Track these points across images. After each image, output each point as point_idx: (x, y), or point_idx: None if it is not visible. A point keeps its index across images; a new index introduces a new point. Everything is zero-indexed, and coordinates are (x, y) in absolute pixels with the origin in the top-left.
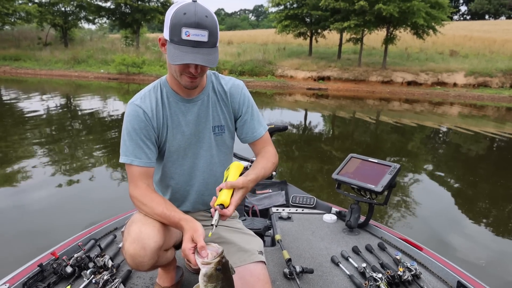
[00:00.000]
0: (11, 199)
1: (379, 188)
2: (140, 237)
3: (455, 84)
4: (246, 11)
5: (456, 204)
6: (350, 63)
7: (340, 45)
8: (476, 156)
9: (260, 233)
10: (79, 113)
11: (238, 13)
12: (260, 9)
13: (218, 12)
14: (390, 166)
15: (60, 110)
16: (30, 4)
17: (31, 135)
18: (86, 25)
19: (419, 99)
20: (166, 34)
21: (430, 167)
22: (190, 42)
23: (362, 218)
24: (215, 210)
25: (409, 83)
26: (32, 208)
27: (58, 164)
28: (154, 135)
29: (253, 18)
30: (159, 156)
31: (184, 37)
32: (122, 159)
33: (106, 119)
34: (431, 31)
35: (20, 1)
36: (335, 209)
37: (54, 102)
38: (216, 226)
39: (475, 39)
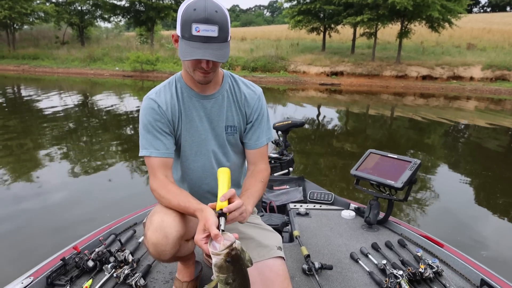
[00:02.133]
0: (34, 195)
1: (399, 184)
2: (162, 225)
3: (471, 78)
4: (261, 7)
5: (475, 199)
6: (364, 58)
7: (354, 40)
8: (495, 150)
9: (278, 229)
10: (96, 109)
11: (253, 9)
12: (275, 5)
13: (233, 9)
14: (410, 161)
15: (77, 108)
16: (47, 4)
17: (51, 131)
18: (102, 24)
19: (434, 94)
20: (178, 31)
21: (447, 161)
22: (200, 38)
23: (381, 215)
24: (219, 216)
25: (424, 78)
26: (54, 204)
27: (78, 160)
28: (170, 126)
29: (268, 14)
30: (176, 151)
31: (194, 33)
32: (141, 152)
33: (123, 115)
34: (446, 24)
35: (38, 1)
36: (353, 205)
37: (71, 99)
38: (223, 231)
39: (494, 32)
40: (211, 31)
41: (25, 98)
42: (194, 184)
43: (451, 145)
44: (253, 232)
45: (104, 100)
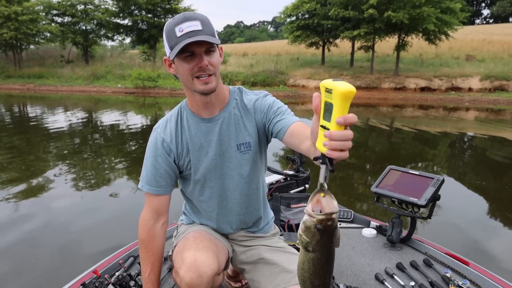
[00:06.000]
0: (50, 215)
1: (422, 202)
2: (195, 264)
3: (470, 89)
4: (265, 23)
5: (489, 211)
6: (363, 71)
7: (352, 53)
8: (504, 161)
9: (298, 248)
10: (100, 127)
11: (257, 25)
12: (281, 21)
13: (237, 25)
14: (433, 178)
15: (81, 125)
16: (52, 24)
17: (59, 150)
18: (107, 42)
19: (433, 105)
20: (167, 50)
21: (455, 173)
22: (186, 34)
23: (404, 233)
24: (322, 161)
25: (423, 89)
26: (70, 225)
27: (94, 180)
28: (173, 164)
29: (272, 29)
30: (186, 182)
31: (178, 34)
32: (139, 185)
33: (126, 132)
34: (443, 37)
35: (43, 22)
36: (374, 223)
37: (76, 116)
38: (326, 183)
39: (494, 43)
40: (194, 25)
41: (30, 116)
42: (212, 210)
43: (454, 156)
44: (277, 256)
45: (108, 116)
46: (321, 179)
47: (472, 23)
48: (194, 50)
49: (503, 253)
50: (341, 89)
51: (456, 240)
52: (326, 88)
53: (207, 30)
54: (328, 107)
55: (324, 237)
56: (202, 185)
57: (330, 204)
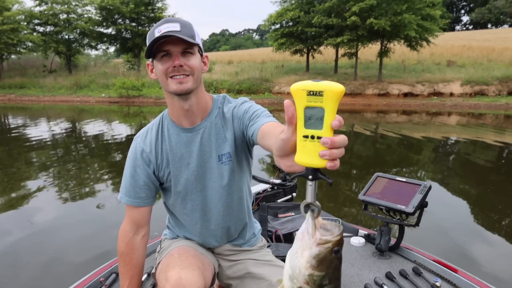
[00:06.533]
0: (25, 230)
1: (410, 209)
2: (181, 283)
3: (451, 94)
4: (250, 31)
5: (472, 214)
6: (347, 77)
7: (336, 60)
8: (486, 165)
9: None
10: (84, 137)
11: (242, 33)
12: (265, 29)
13: (222, 33)
14: (420, 184)
15: (65, 136)
16: (34, 34)
17: (41, 162)
18: (91, 52)
19: (416, 110)
20: (147, 55)
21: (438, 177)
22: (163, 34)
23: (392, 241)
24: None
25: (406, 95)
26: (50, 240)
27: (78, 192)
28: (153, 176)
29: (257, 37)
30: (168, 194)
31: (156, 34)
32: (118, 196)
33: (110, 141)
34: (424, 43)
35: (25, 31)
36: (362, 231)
37: (59, 127)
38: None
39: (473, 49)
40: (173, 27)
41: (11, 127)
42: (195, 224)
43: (441, 160)
44: (265, 271)
45: (92, 126)
46: (310, 198)
47: (453, 29)
48: (169, 49)
49: (485, 256)
50: (336, 89)
51: (440, 244)
52: (310, 91)
53: (186, 31)
54: (314, 113)
55: (340, 259)
56: (183, 197)
57: (330, 223)
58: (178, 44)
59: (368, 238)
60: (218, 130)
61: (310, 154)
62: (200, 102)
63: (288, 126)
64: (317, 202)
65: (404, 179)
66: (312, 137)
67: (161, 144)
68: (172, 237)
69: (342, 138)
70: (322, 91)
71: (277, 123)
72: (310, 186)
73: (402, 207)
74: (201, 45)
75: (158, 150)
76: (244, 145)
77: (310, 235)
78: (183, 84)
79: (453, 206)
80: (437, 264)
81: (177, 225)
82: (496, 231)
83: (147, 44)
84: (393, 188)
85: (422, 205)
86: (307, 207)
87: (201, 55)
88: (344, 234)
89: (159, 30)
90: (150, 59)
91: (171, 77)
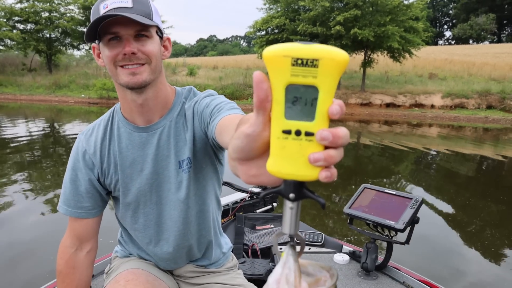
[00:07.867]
0: None
1: (400, 225)
2: None
3: (432, 106)
4: (238, 37)
5: (452, 229)
6: None
7: None
8: (466, 175)
9: (263, 280)
10: (62, 137)
11: (230, 39)
12: (251, 35)
13: (210, 39)
14: (411, 198)
15: (42, 136)
16: (14, 31)
17: (17, 163)
18: (74, 52)
19: (397, 121)
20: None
21: (420, 187)
22: (110, 11)
23: (379, 259)
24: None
25: (388, 105)
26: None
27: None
28: (96, 183)
29: (244, 44)
30: (117, 204)
31: (102, 11)
32: (58, 206)
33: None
34: (407, 55)
35: (4, 28)
36: (347, 247)
37: (37, 127)
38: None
39: (455, 62)
40: (122, 1)
41: None
42: (149, 242)
43: (421, 172)
44: None
45: (69, 127)
46: (290, 228)
47: (436, 43)
48: (119, 32)
49: (470, 271)
50: (339, 56)
51: (424, 256)
52: (298, 59)
53: (139, 8)
54: (302, 94)
55: None
56: (134, 210)
57: (317, 265)
58: (130, 25)
59: (353, 255)
60: (179, 131)
61: (292, 159)
62: (158, 96)
63: (256, 114)
64: (300, 234)
65: (393, 192)
66: (298, 132)
67: (108, 145)
68: (124, 255)
69: (345, 131)
70: (317, 59)
71: (241, 115)
72: (291, 210)
73: (392, 223)
74: (160, 25)
75: (104, 152)
76: (207, 148)
77: (292, 286)
78: (137, 76)
79: (435, 216)
80: (427, 286)
81: (130, 240)
82: (474, 245)
83: (90, 23)
84: (382, 202)
85: (413, 221)
86: (288, 240)
87: (161, 37)
88: (327, 250)
89: (105, 5)
90: (96, 41)
91: (122, 66)
